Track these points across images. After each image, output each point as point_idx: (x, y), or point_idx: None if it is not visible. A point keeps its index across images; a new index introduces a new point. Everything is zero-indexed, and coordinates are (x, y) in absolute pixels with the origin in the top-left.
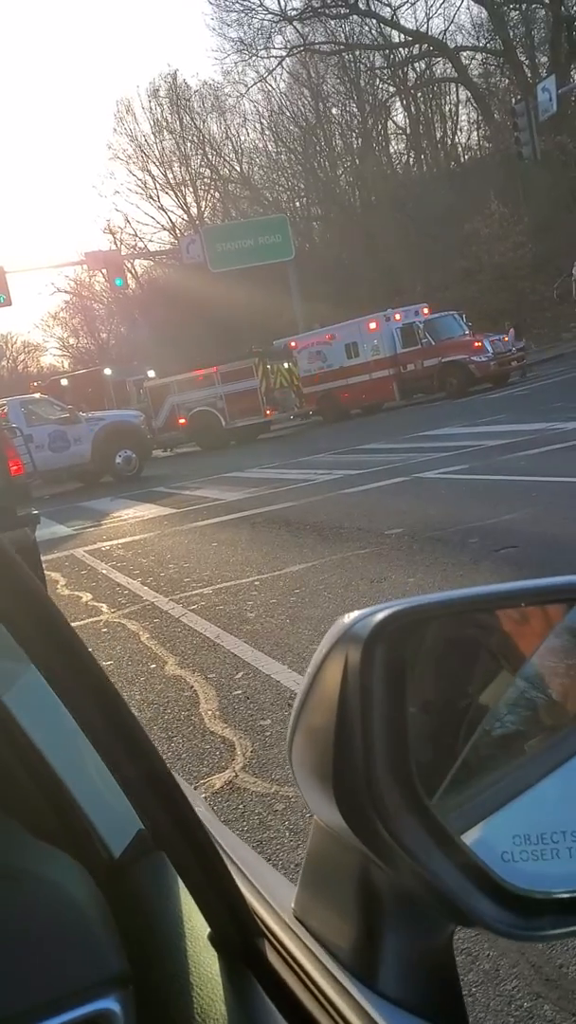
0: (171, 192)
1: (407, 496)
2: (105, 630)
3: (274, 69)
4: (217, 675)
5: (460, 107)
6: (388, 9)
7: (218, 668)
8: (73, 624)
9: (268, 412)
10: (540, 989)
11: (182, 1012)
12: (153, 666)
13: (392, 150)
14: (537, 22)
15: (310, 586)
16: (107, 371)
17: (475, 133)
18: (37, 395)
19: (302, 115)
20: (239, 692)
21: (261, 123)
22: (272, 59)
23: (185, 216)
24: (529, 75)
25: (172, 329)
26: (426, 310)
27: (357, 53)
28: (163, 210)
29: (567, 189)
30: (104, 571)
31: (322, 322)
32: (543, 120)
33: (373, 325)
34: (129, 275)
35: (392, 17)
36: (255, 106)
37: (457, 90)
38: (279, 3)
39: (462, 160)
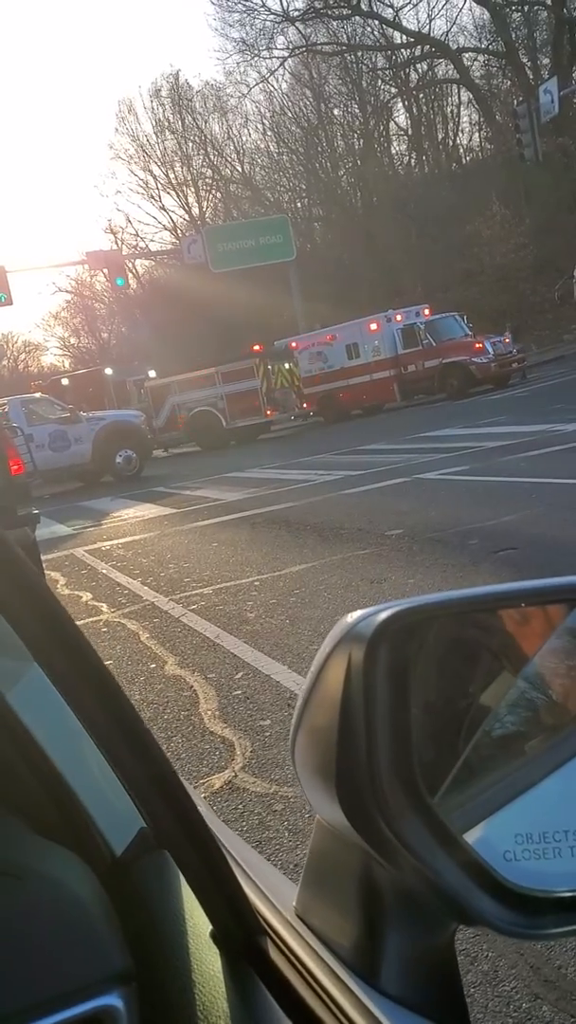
0: (172, 192)
1: (407, 497)
2: (105, 630)
3: (276, 70)
4: (217, 675)
5: (462, 108)
6: (390, 10)
7: (218, 668)
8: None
9: (269, 412)
10: (539, 990)
11: (184, 1009)
12: (153, 666)
13: (394, 151)
14: (539, 24)
15: (310, 587)
16: (108, 371)
17: (477, 134)
18: (38, 395)
19: (304, 116)
20: (239, 692)
21: (263, 123)
22: (274, 60)
23: (186, 216)
24: (531, 77)
25: (173, 329)
26: (427, 311)
27: (359, 54)
28: (164, 210)
29: (568, 191)
30: (104, 571)
31: (323, 322)
32: (545, 122)
33: (374, 326)
34: (130, 275)
35: (394, 18)
36: (257, 106)
37: (459, 91)
38: (281, 4)
39: (463, 161)
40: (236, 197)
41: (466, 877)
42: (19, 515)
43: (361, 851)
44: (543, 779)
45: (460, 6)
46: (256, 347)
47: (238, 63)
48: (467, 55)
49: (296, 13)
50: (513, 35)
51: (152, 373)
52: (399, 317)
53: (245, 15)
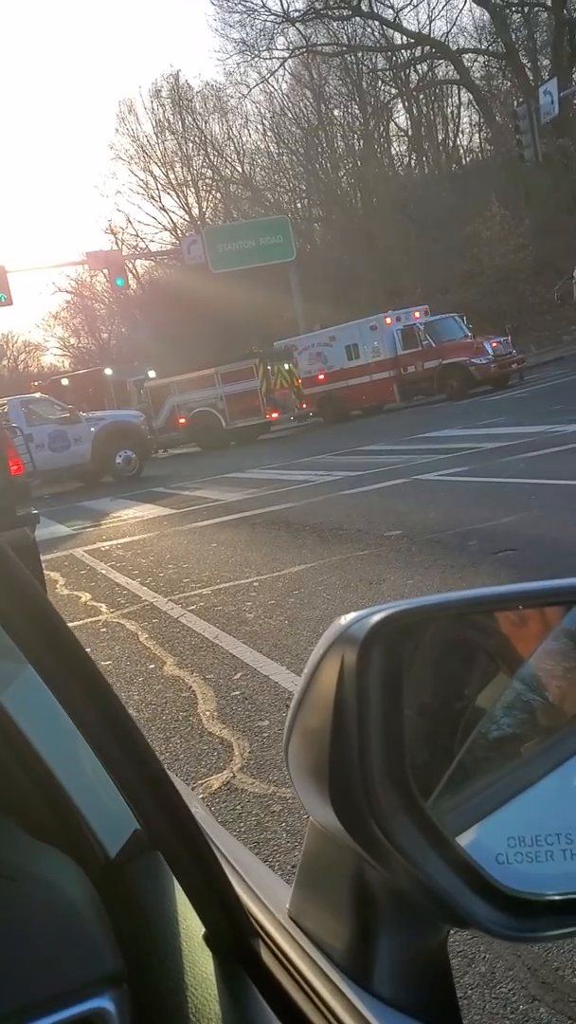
0: (173, 193)
1: (407, 498)
2: (104, 630)
3: (276, 70)
4: (215, 676)
5: (462, 109)
6: (390, 11)
7: (216, 669)
8: (72, 624)
9: (274, 415)
10: (536, 992)
11: (176, 1011)
12: (152, 666)
13: (394, 152)
14: (539, 25)
15: (309, 587)
16: (108, 371)
17: (477, 135)
18: (38, 395)
19: (304, 116)
20: (237, 693)
21: (263, 124)
22: (274, 60)
23: (186, 217)
24: (531, 78)
25: (173, 329)
26: (417, 313)
27: (359, 55)
28: (164, 210)
29: (568, 192)
30: (103, 571)
31: (322, 323)
32: (545, 123)
33: (374, 326)
34: (130, 275)
35: (394, 19)
36: (257, 107)
37: (459, 92)
38: (281, 4)
39: (463, 162)
40: (236, 198)
41: (459, 880)
42: (18, 515)
43: (354, 853)
44: (537, 782)
45: (460, 7)
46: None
47: (238, 64)
48: (467, 56)
49: (296, 14)
50: (513, 36)
51: (152, 373)
52: (399, 318)
53: (245, 16)
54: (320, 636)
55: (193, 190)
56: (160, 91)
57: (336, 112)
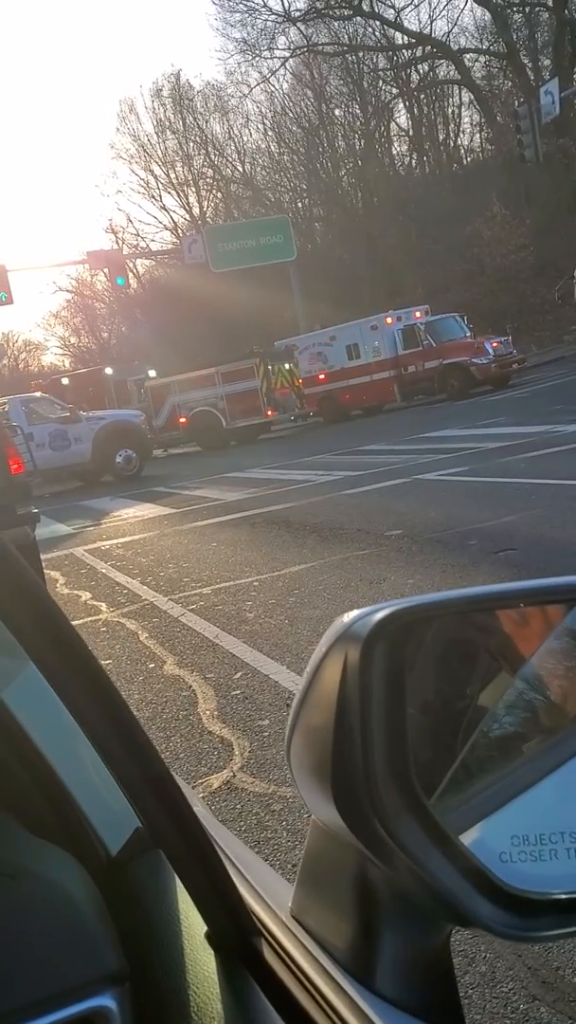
0: (173, 192)
1: (407, 498)
2: (104, 629)
3: (277, 70)
4: (216, 675)
5: (463, 109)
6: (391, 11)
7: (217, 668)
8: (72, 623)
9: (269, 413)
10: (537, 992)
11: (178, 1010)
12: (152, 665)
13: (394, 152)
14: (540, 25)
15: (309, 587)
16: (108, 370)
17: (477, 135)
18: (38, 394)
19: (305, 116)
20: (238, 692)
21: (264, 124)
22: (275, 60)
23: (187, 216)
24: (532, 78)
25: (173, 329)
26: (418, 313)
27: (360, 55)
28: (165, 210)
29: (569, 192)
30: (103, 570)
31: (323, 323)
32: (546, 123)
33: (374, 326)
34: (131, 275)
35: (395, 19)
36: (258, 107)
37: (460, 92)
38: (283, 4)
39: (464, 162)
40: (237, 197)
41: (462, 879)
42: (19, 514)
43: (356, 852)
44: (540, 780)
45: (461, 7)
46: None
47: (239, 63)
48: (468, 56)
49: (297, 13)
50: (514, 36)
51: (152, 373)
52: (399, 318)
53: (246, 15)
54: (321, 635)
55: (194, 189)
56: (161, 90)
57: (337, 112)
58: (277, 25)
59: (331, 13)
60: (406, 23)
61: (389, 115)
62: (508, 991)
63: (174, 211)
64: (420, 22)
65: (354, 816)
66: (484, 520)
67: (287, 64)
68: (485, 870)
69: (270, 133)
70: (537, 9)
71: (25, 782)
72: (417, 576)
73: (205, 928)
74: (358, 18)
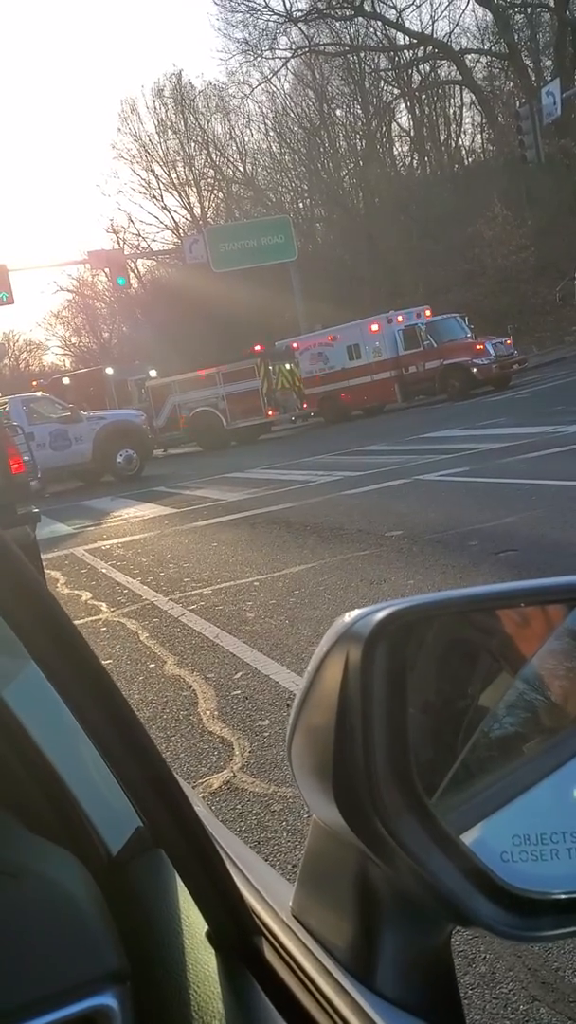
0: (175, 192)
1: (407, 498)
2: (104, 629)
3: (279, 70)
4: (216, 675)
5: (464, 110)
6: (393, 11)
7: (217, 668)
8: (73, 623)
9: (270, 413)
10: (536, 992)
11: (179, 1009)
12: (152, 665)
13: (396, 152)
14: (542, 26)
15: (309, 587)
16: (109, 370)
17: (479, 136)
18: (39, 393)
19: (306, 116)
20: (238, 692)
21: (265, 124)
22: (277, 60)
23: (188, 216)
24: (533, 79)
25: (174, 329)
26: (428, 312)
27: (362, 55)
28: (166, 210)
29: (570, 192)
30: (104, 570)
31: (324, 323)
32: (547, 124)
33: (375, 327)
34: (132, 274)
35: (397, 19)
36: (259, 107)
37: (461, 93)
38: (284, 4)
39: (466, 163)
40: (238, 197)
41: (462, 878)
42: (19, 514)
43: (357, 851)
44: (541, 780)
45: (463, 8)
46: (257, 347)
47: (241, 63)
48: (470, 56)
49: (299, 14)
50: (516, 37)
51: (153, 373)
52: (400, 318)
53: (248, 15)
54: (321, 636)
55: (195, 189)
56: (163, 90)
57: (338, 112)
58: (279, 25)
59: (332, 13)
60: (407, 23)
61: (390, 115)
62: (508, 992)
63: (175, 211)
64: (421, 22)
65: (355, 815)
66: (485, 521)
67: (288, 64)
68: (486, 870)
69: (271, 133)
70: (539, 10)
71: (26, 781)
72: (417, 577)
73: (206, 927)
74: (359, 18)
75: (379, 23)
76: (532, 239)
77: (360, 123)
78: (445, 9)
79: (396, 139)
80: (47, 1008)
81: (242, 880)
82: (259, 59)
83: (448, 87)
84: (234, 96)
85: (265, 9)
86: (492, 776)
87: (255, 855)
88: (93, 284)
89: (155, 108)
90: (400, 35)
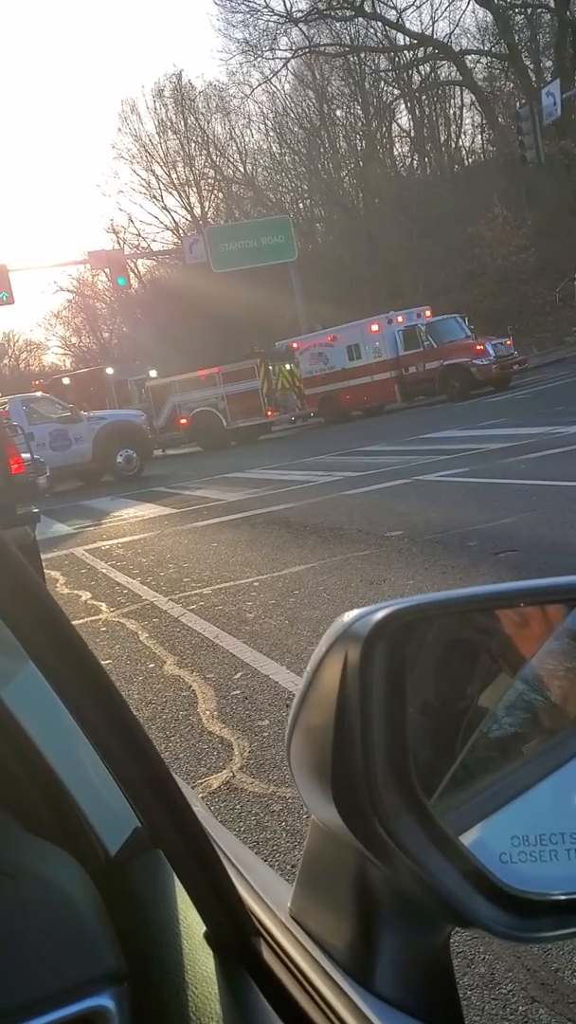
0: (175, 192)
1: (407, 498)
2: (104, 629)
3: (279, 70)
4: (216, 675)
5: (464, 110)
6: (393, 12)
7: (217, 668)
8: (72, 623)
9: (269, 413)
10: (536, 993)
11: (177, 1010)
12: (152, 665)
13: (396, 153)
14: (542, 26)
15: (309, 587)
16: (109, 370)
17: (479, 136)
18: (39, 393)
19: (306, 117)
20: (237, 692)
21: (265, 124)
22: (277, 60)
23: (188, 216)
24: (534, 79)
25: (174, 329)
26: (428, 313)
27: (362, 55)
28: (166, 210)
29: (571, 193)
30: (104, 570)
31: (324, 323)
32: (547, 124)
33: (375, 327)
34: (132, 275)
35: (397, 20)
36: (259, 107)
37: (461, 93)
38: (284, 5)
39: (466, 163)
40: (238, 197)
41: (461, 879)
42: (19, 514)
43: (356, 852)
44: (540, 781)
45: (463, 8)
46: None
47: (241, 64)
48: (470, 57)
49: (299, 14)
50: (516, 37)
51: (153, 373)
52: (400, 318)
53: (248, 16)
54: (320, 636)
55: (195, 190)
56: (163, 91)
57: (338, 112)
58: (279, 26)
59: (333, 14)
60: (408, 24)
61: (391, 116)
62: (507, 993)
63: (175, 211)
64: (422, 23)
65: (354, 816)
66: (484, 521)
67: (289, 65)
68: (485, 870)
69: (272, 134)
70: (539, 11)
71: (24, 781)
72: (417, 577)
73: (204, 928)
74: (360, 19)
75: (379, 24)
76: (532, 239)
77: (360, 123)
78: (445, 10)
79: (396, 140)
80: (45, 1008)
81: (240, 881)
82: (259, 59)
83: (448, 88)
84: (234, 96)
85: (265, 9)
86: (491, 777)
87: (254, 856)
88: (93, 284)
89: (155, 108)
90: (400, 36)
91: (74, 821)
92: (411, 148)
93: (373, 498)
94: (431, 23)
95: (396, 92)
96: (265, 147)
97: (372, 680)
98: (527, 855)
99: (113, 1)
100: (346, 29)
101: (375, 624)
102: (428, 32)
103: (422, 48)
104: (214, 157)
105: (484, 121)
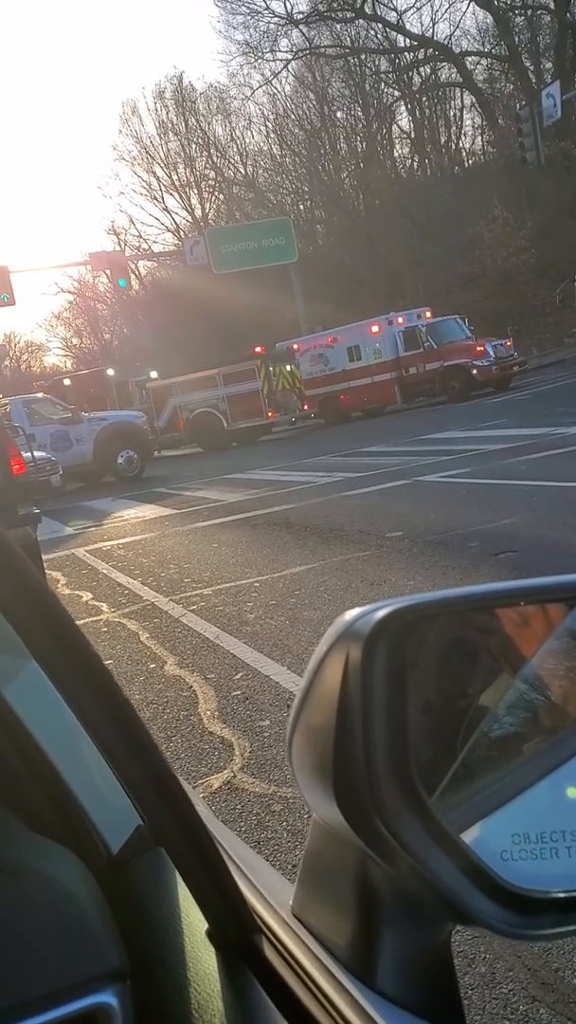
0: (176, 194)
1: (408, 499)
2: (105, 629)
3: (280, 72)
4: (216, 675)
5: (464, 112)
6: (394, 14)
7: (217, 668)
8: (74, 621)
9: (270, 414)
10: (536, 992)
11: (179, 1008)
12: (152, 666)
13: (396, 154)
14: (542, 28)
15: (310, 588)
16: (110, 371)
17: (479, 138)
18: (40, 395)
19: (307, 118)
20: (238, 693)
21: (266, 126)
22: (278, 62)
23: (189, 218)
24: (534, 81)
25: (175, 330)
26: (428, 314)
27: (362, 57)
28: (167, 211)
29: (570, 194)
30: (104, 571)
31: (324, 324)
32: (547, 126)
33: (375, 328)
34: (132, 276)
35: (398, 22)
36: (260, 109)
37: (462, 95)
38: (285, 6)
39: (466, 165)
40: (239, 199)
41: (463, 877)
42: (20, 514)
43: (358, 850)
44: (541, 779)
45: (463, 10)
46: (258, 349)
47: (242, 65)
48: (470, 59)
49: (300, 16)
50: (516, 39)
51: (154, 374)
52: (400, 320)
53: (249, 17)
54: (321, 637)
55: (196, 191)
56: (163, 92)
57: (339, 114)
58: (279, 27)
59: (333, 16)
60: (408, 26)
61: (391, 117)
62: (508, 992)
63: (176, 213)
64: (422, 25)
65: (355, 814)
66: (485, 522)
67: (289, 66)
68: (486, 868)
69: (272, 135)
70: (539, 12)
71: (26, 780)
72: (418, 578)
73: (206, 926)
74: (360, 21)
75: (380, 25)
76: (532, 241)
77: (361, 125)
78: (445, 12)
79: (396, 141)
80: (47, 1006)
81: (242, 879)
82: (260, 61)
83: (448, 89)
84: (235, 98)
85: (266, 11)
86: (492, 775)
87: (255, 854)
88: (94, 286)
89: (156, 110)
90: (401, 37)
91: (76, 819)
92: (411, 150)
93: (373, 499)
94: (431, 25)
95: (396, 94)
96: (266, 149)
97: (374, 679)
98: (528, 853)
99: (114, 3)
100: (346, 31)
101: (376, 623)
102: (428, 34)
103: (422, 50)
104: (215, 159)
105: (484, 123)
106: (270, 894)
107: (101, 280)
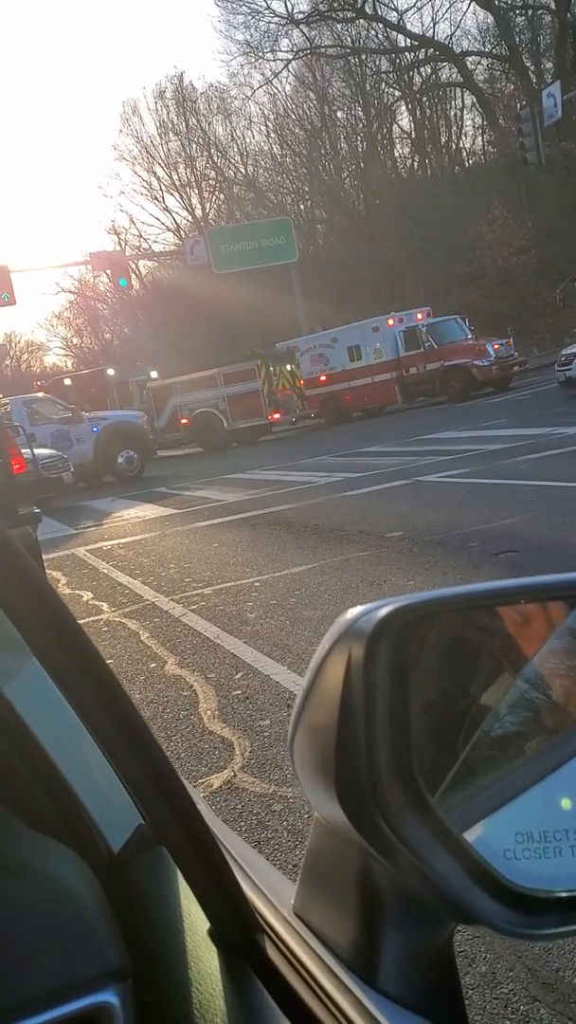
0: (176, 193)
1: (408, 499)
2: (105, 629)
3: (280, 72)
4: (216, 675)
5: (465, 112)
6: (394, 13)
7: (218, 668)
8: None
9: (276, 416)
10: (537, 992)
11: (181, 1006)
12: (153, 665)
13: (397, 154)
14: (543, 28)
15: (310, 587)
16: (110, 371)
17: (480, 138)
18: (40, 394)
19: (307, 118)
20: (238, 692)
21: (266, 126)
22: (278, 62)
23: (190, 217)
24: (534, 81)
25: (175, 330)
26: (427, 313)
27: (363, 57)
28: (168, 211)
29: (571, 194)
30: (105, 570)
31: (324, 324)
32: (548, 126)
33: (376, 328)
34: (133, 276)
35: (398, 21)
36: (261, 109)
37: (462, 95)
38: (286, 6)
39: (466, 165)
40: (239, 199)
41: (465, 876)
42: (20, 514)
43: (360, 849)
44: (543, 778)
45: (464, 10)
46: (258, 350)
47: (242, 65)
48: (470, 59)
49: (300, 16)
50: (517, 39)
51: (154, 374)
52: (401, 319)
53: (249, 17)
54: (321, 636)
55: (196, 191)
56: (164, 92)
57: (339, 114)
58: (280, 27)
59: (334, 15)
60: (408, 26)
61: (391, 117)
62: (508, 992)
63: (176, 212)
64: (423, 25)
65: (358, 813)
66: (485, 522)
67: (290, 66)
68: (489, 867)
69: (272, 135)
70: (539, 12)
71: (27, 778)
72: (418, 578)
73: (208, 925)
74: (361, 21)
75: (380, 25)
76: (533, 241)
77: (361, 125)
78: (446, 11)
79: (397, 141)
80: (48, 1005)
81: (244, 878)
82: (260, 61)
83: (449, 89)
84: (235, 98)
85: (267, 11)
86: (494, 774)
87: (256, 853)
88: (95, 285)
89: (157, 109)
90: (401, 37)
91: (77, 817)
92: (412, 149)
93: (373, 499)
94: (432, 25)
95: (397, 93)
96: (266, 148)
97: (376, 677)
98: (531, 852)
99: (115, 2)
100: (347, 31)
101: (379, 621)
102: (429, 34)
103: (423, 50)
104: (215, 158)
105: (485, 123)
106: (272, 893)
107: (101, 280)
